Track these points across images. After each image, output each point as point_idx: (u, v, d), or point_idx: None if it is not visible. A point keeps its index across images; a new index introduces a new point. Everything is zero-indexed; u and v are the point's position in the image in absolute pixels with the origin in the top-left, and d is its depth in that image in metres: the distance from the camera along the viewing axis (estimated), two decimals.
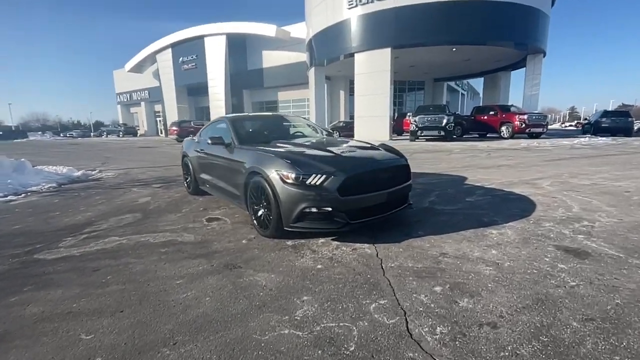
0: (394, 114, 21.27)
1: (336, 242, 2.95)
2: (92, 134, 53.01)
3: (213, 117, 32.39)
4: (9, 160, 7.33)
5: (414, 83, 30.10)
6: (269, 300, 2.03)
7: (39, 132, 61.74)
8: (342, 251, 2.76)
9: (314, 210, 2.74)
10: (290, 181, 2.77)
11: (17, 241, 3.29)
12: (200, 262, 2.64)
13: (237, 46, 31.65)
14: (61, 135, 53.81)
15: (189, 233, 3.36)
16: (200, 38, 32.02)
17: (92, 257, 2.83)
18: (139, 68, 42.99)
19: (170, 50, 35.66)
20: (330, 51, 19.66)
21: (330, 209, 2.74)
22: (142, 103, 46.93)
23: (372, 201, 2.89)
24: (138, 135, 44.69)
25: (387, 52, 16.90)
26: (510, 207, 3.91)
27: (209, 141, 3.88)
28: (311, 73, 22.41)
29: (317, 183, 2.72)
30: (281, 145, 3.58)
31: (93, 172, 8.47)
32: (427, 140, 16.49)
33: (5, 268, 2.66)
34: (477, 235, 3.01)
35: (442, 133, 14.89)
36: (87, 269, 2.59)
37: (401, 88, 29.77)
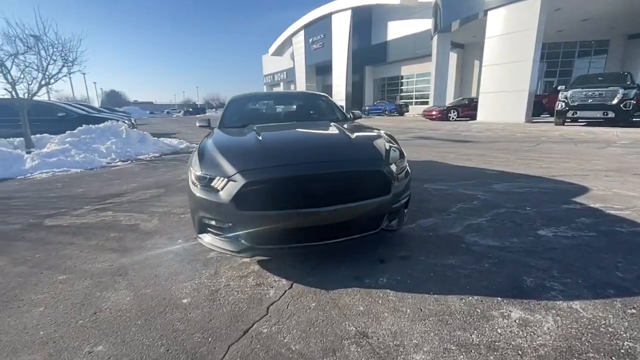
0: (538, 87, 16.21)
1: (255, 267, 2.18)
2: None
3: (335, 95, 33.22)
4: (137, 132, 9.31)
5: (588, 44, 21.92)
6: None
7: (213, 109, 78.60)
8: (240, 283, 1.99)
9: (212, 222, 2.06)
10: (193, 180, 2.15)
11: (49, 205, 3.95)
12: (106, 257, 2.42)
13: (362, 20, 30.61)
14: None
15: (154, 217, 3.23)
16: (328, 16, 32.54)
17: (73, 230, 3.06)
18: (279, 51, 47.99)
19: (303, 32, 37.97)
20: (458, 11, 16.32)
21: (230, 224, 1.99)
22: (281, 83, 52.59)
23: (296, 221, 1.94)
24: None
25: (535, 3, 12.63)
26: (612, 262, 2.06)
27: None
28: (434, 41, 19.44)
29: (219, 187, 1.99)
30: (246, 130, 2.92)
31: (193, 145, 9.86)
32: (587, 124, 11.86)
33: (14, 228, 3.17)
34: (483, 309, 1.64)
35: (611, 114, 10.27)
36: (52, 242, 2.77)
37: (566, 52, 22.30)
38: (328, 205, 1.92)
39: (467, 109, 16.80)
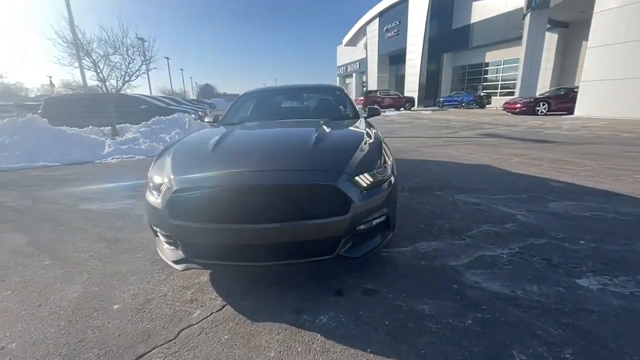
0: None
1: (204, 278, 2.03)
2: None
3: (407, 85, 31.31)
4: (199, 123, 10.11)
5: None
6: None
7: None
8: (177, 295, 1.85)
9: (157, 230, 1.95)
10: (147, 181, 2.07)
11: (91, 192, 4.47)
12: (95, 247, 2.55)
13: (443, 3, 27.86)
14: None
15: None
16: (405, 1, 30.49)
17: (93, 215, 3.38)
18: (353, 41, 47.23)
19: (377, 20, 36.47)
20: None
21: (169, 233, 1.85)
22: (354, 74, 51.83)
23: (231, 237, 1.70)
24: None
25: None
26: None
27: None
28: (526, 21, 16.57)
29: (160, 192, 1.86)
30: (230, 128, 2.75)
31: None
32: None
33: (55, 209, 3.65)
34: None
35: None
36: (70, 225, 3.09)
37: None
38: (269, 222, 1.64)
39: (563, 101, 13.93)
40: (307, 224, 1.67)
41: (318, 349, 1.43)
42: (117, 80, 9.23)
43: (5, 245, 2.65)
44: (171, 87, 51.43)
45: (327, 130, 2.46)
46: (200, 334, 1.55)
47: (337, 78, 60.77)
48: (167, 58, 41.55)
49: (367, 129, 2.61)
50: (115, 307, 1.79)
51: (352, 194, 1.73)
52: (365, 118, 3.34)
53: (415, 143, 7.60)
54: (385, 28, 35.23)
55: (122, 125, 9.71)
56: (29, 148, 7.35)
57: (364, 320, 1.60)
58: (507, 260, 2.11)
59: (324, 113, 3.37)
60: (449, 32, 28.61)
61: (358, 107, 3.66)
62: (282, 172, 1.77)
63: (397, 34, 33.16)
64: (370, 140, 2.24)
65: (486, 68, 27.63)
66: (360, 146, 2.09)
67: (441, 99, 26.67)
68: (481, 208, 3.09)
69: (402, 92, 29.68)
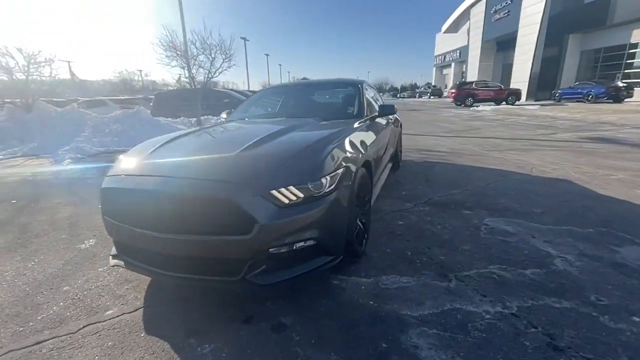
0: None
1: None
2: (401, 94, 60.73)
3: (515, 74, 26.85)
4: None
5: None
6: None
7: (381, 93, 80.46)
8: (106, 284, 1.92)
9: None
10: None
11: None
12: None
13: None
14: (398, 96, 65.02)
15: None
16: None
17: None
18: (454, 27, 42.84)
19: (484, 1, 32.02)
20: None
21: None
22: (452, 64, 47.13)
23: (147, 243, 1.65)
24: (442, 96, 46.13)
25: None
26: None
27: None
28: None
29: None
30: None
31: None
32: None
33: None
34: None
35: None
36: None
37: None
38: (168, 232, 1.54)
39: None
40: (204, 240, 1.50)
41: None
42: (204, 77, 10.45)
43: None
44: (269, 81, 55.77)
45: (291, 132, 2.19)
46: (96, 333, 1.57)
47: (434, 69, 56.25)
48: (267, 55, 45.19)
49: (348, 133, 2.21)
50: (65, 288, 1.98)
51: (258, 211, 1.46)
52: (371, 119, 2.89)
53: (487, 145, 6.40)
54: (493, 9, 30.72)
55: (206, 116, 10.98)
56: (132, 135, 8.97)
57: (247, 357, 1.36)
58: (486, 324, 1.51)
59: (322, 111, 3.04)
60: (579, 8, 23.10)
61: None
62: (186, 180, 1.62)
63: (508, 14, 28.58)
64: (329, 147, 1.85)
65: (632, 51, 21.46)
66: (303, 153, 1.77)
67: (559, 92, 22.00)
68: (509, 240, 2.35)
69: (508, 84, 25.58)
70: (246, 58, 30.63)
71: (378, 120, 3.06)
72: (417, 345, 1.40)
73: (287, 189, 1.53)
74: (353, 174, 1.88)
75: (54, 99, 12.25)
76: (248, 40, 30.00)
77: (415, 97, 50.33)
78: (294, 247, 1.56)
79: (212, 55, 9.87)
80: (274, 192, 1.51)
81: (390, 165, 3.68)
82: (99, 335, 1.55)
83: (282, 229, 1.50)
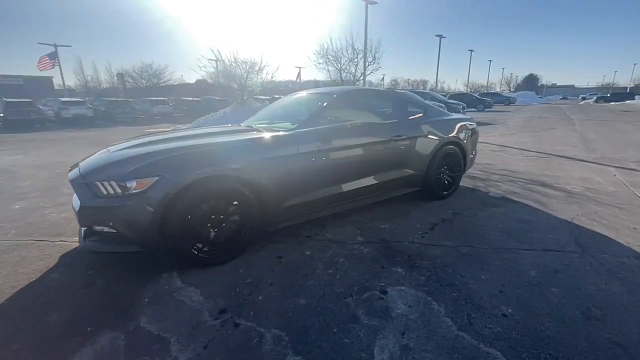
0: None
1: None
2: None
3: None
4: None
5: None
6: None
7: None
8: None
9: None
10: None
11: None
12: None
13: None
14: None
15: None
16: None
17: None
18: None
19: None
20: None
21: None
22: None
23: None
24: None
25: None
26: None
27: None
28: None
29: None
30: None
31: None
32: None
33: None
34: None
35: None
36: None
37: None
38: None
39: None
40: None
41: None
42: (353, 78, 11.70)
43: None
44: (468, 80, 50.37)
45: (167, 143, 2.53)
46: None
47: None
48: (471, 50, 40.91)
49: (244, 137, 2.57)
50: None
51: (81, 194, 2.11)
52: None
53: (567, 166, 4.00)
54: None
55: None
56: None
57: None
58: None
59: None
60: None
61: None
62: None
63: None
64: (192, 150, 2.31)
65: None
66: (131, 159, 2.17)
67: None
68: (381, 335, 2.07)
69: None
70: (438, 56, 29.32)
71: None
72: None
73: (109, 183, 2.02)
74: (175, 184, 2.05)
75: (261, 97, 17.22)
76: (444, 37, 28.56)
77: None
78: (104, 230, 2.09)
79: (357, 59, 10.86)
80: (98, 182, 2.05)
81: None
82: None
83: (89, 214, 2.10)
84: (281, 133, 2.70)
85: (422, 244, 2.62)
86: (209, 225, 2.24)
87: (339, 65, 11.51)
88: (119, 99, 21.81)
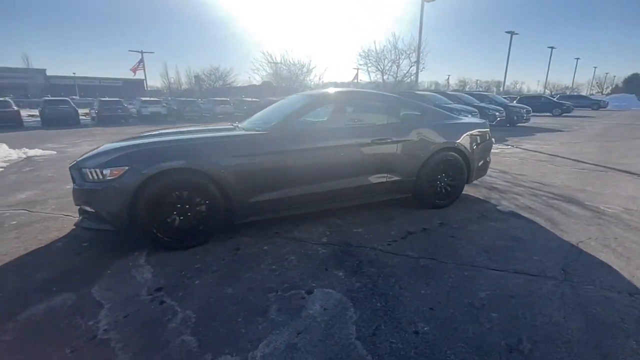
0: None
1: None
2: None
3: None
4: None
5: None
6: None
7: None
8: None
9: None
10: None
11: None
12: None
13: None
14: None
15: None
16: None
17: None
18: None
19: None
20: None
21: None
22: None
23: None
24: None
25: None
26: None
27: None
28: None
29: None
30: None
31: None
32: None
33: None
34: None
35: None
36: None
37: None
38: None
39: None
40: None
41: None
42: (394, 79, 11.37)
43: None
44: (546, 79, 44.19)
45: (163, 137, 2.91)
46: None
47: None
48: (552, 48, 35.94)
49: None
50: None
51: (75, 179, 2.52)
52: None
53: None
54: None
55: None
56: None
57: None
58: None
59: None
60: None
61: None
62: None
63: None
64: (161, 145, 2.58)
65: None
66: (112, 151, 2.53)
67: None
68: None
69: None
70: (508, 55, 26.39)
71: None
72: None
73: (94, 170, 2.39)
74: (142, 174, 2.34)
75: None
76: (517, 34, 25.61)
77: None
78: (87, 210, 2.51)
79: (399, 61, 10.52)
80: (85, 169, 2.44)
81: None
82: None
83: (79, 195, 2.51)
84: (250, 133, 2.87)
85: (382, 252, 2.54)
86: (174, 213, 2.50)
87: (381, 66, 11.29)
88: (188, 99, 24.37)
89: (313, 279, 2.16)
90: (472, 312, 1.81)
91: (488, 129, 3.85)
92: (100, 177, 2.39)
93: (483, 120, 4.02)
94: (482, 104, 12.52)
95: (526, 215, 3.31)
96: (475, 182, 4.08)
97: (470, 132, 3.59)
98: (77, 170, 2.55)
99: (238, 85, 40.85)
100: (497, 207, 3.56)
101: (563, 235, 2.82)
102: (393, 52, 11.09)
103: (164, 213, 2.47)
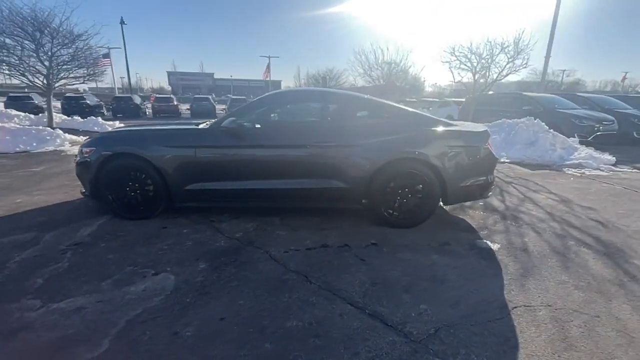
0: None
1: None
2: None
3: None
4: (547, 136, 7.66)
5: None
6: None
7: None
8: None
9: None
10: None
11: None
12: None
13: None
14: None
15: None
16: None
17: None
18: None
19: None
20: None
21: None
22: None
23: None
24: None
25: None
26: None
27: None
28: None
29: None
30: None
31: None
32: None
33: None
34: None
35: None
36: None
37: None
38: None
39: None
40: None
41: None
42: (486, 80, 9.60)
43: None
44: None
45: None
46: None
47: None
48: None
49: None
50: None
51: (77, 155, 3.45)
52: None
53: None
54: None
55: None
56: None
57: None
58: None
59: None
60: None
61: None
62: None
63: None
64: (120, 134, 3.33)
65: None
66: (101, 134, 3.46)
67: None
68: None
69: None
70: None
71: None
72: None
73: (85, 148, 3.16)
74: (101, 154, 3.00)
75: (407, 99, 16.59)
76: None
77: None
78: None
79: (491, 58, 8.77)
80: (81, 147, 3.24)
81: None
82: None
83: (76, 167, 3.26)
84: (192, 128, 3.22)
85: (270, 257, 2.44)
86: (127, 189, 3.08)
87: (473, 66, 9.60)
88: None
89: (175, 264, 2.32)
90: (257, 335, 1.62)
91: (485, 142, 2.99)
92: (83, 154, 3.20)
93: (482, 129, 3.11)
94: (629, 111, 9.15)
95: (501, 257, 2.48)
96: (501, 206, 3.24)
97: (449, 143, 2.88)
98: (80, 149, 3.45)
99: (359, 85, 42.22)
100: (476, 241, 2.77)
101: (510, 284, 2.02)
102: (488, 48, 9.24)
103: (118, 187, 3.07)
